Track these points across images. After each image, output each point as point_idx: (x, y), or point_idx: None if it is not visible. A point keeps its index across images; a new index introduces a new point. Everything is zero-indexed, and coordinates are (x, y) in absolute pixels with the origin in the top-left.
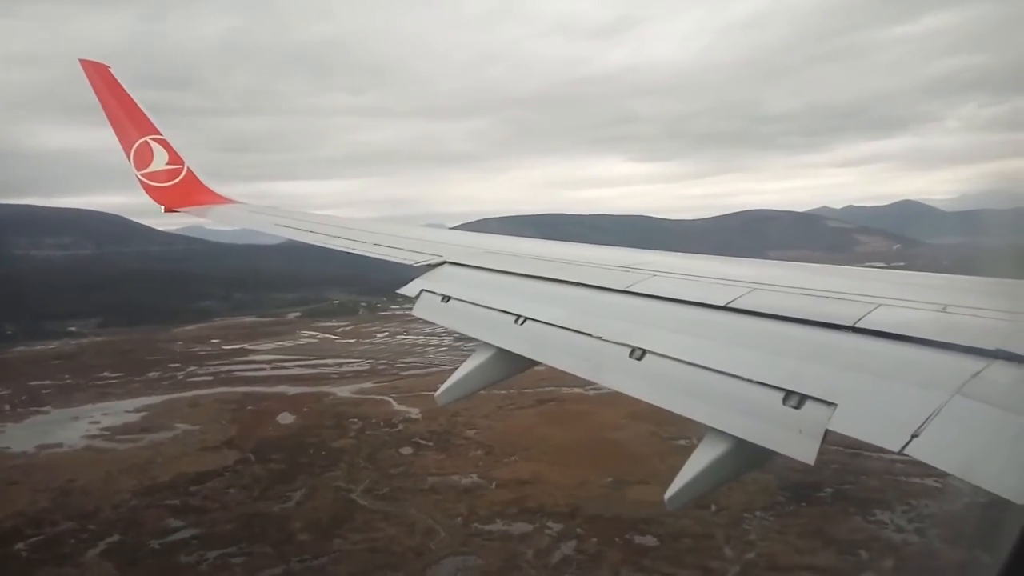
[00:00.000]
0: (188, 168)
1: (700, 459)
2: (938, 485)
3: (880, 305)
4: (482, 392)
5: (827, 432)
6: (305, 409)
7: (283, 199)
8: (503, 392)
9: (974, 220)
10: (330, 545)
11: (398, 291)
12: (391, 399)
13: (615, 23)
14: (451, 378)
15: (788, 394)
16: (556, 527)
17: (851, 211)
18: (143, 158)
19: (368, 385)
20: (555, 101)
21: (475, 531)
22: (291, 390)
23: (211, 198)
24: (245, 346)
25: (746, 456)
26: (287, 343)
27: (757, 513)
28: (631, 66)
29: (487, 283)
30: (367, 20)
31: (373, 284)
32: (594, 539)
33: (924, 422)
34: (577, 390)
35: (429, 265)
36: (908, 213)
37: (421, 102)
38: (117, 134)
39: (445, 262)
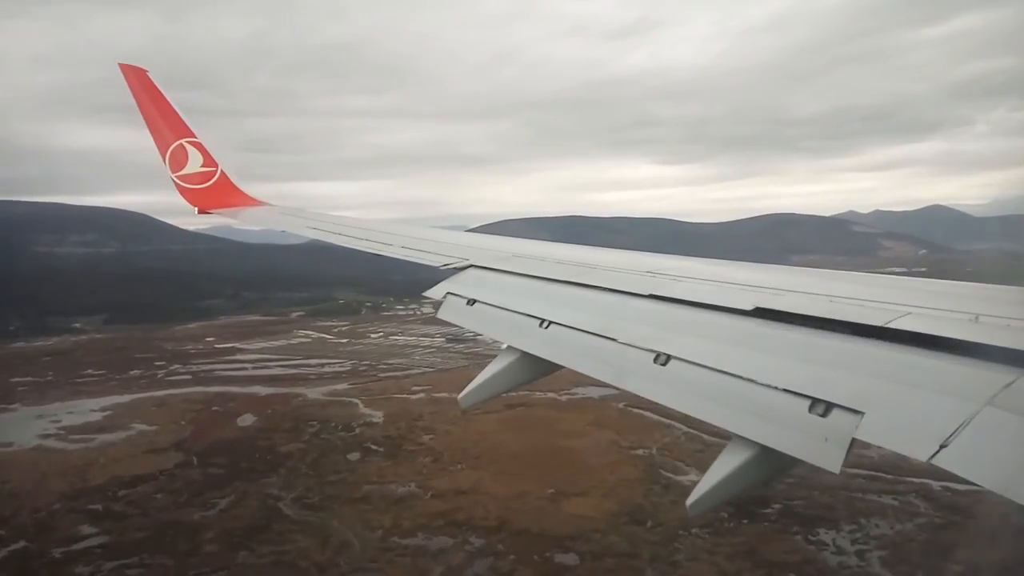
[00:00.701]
0: (222, 171)
1: (723, 465)
2: (895, 503)
3: (910, 313)
4: (452, 395)
5: (854, 441)
6: (269, 411)
7: (305, 200)
8: (454, 395)
9: (1006, 225)
10: (234, 558)
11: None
12: (360, 401)
13: (633, 26)
14: (475, 381)
15: (815, 402)
16: (478, 542)
17: (878, 216)
18: (178, 161)
19: (342, 387)
20: (574, 103)
21: (391, 545)
22: (264, 391)
23: (243, 200)
24: (237, 345)
25: (770, 464)
26: (279, 342)
27: (694, 530)
28: (650, 69)
29: (512, 287)
30: (382, 21)
31: (386, 285)
32: (512, 556)
33: (953, 432)
34: (550, 395)
35: (455, 268)
36: (937, 218)
37: (439, 104)
38: (153, 136)
39: (471, 265)
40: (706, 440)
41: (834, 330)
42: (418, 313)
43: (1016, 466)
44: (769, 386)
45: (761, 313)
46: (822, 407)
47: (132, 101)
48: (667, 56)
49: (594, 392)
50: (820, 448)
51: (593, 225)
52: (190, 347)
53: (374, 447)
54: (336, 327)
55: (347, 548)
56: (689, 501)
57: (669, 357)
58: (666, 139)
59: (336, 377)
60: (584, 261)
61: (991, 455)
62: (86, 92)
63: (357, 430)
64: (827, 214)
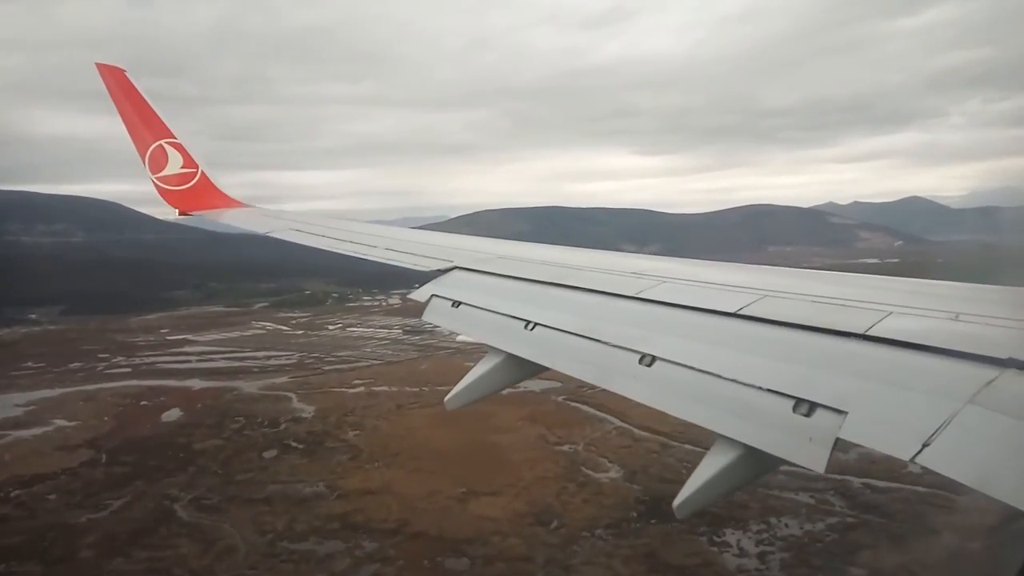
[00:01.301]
0: (202, 172)
1: (709, 467)
2: (811, 501)
3: (891, 313)
4: (392, 389)
5: (838, 440)
6: (199, 405)
7: (285, 189)
8: (415, 390)
9: (982, 217)
10: (108, 565)
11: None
12: (295, 396)
13: (607, 14)
14: (460, 383)
15: (798, 402)
16: (370, 546)
17: (857, 207)
18: (157, 162)
19: (281, 380)
20: (553, 92)
21: (278, 551)
22: (200, 384)
23: (224, 201)
24: (189, 337)
25: (755, 464)
26: (233, 334)
27: (598, 531)
28: (627, 58)
29: (497, 288)
30: (355, 6)
31: (356, 276)
32: (400, 562)
33: (936, 431)
34: None
35: (440, 270)
36: (914, 210)
37: (417, 92)
38: (132, 137)
39: (456, 267)
40: (636, 435)
41: (817, 330)
42: (384, 304)
43: (998, 463)
44: (753, 386)
45: (745, 314)
46: (806, 407)
47: (104, 87)
48: (643, 45)
49: (536, 385)
50: (804, 448)
51: (571, 216)
52: (140, 339)
53: (294, 444)
54: (296, 318)
55: (230, 553)
56: (676, 503)
57: (654, 358)
58: (645, 129)
59: (279, 370)
60: (568, 262)
61: (973, 453)
62: (57, 78)
63: (283, 426)
64: (807, 205)
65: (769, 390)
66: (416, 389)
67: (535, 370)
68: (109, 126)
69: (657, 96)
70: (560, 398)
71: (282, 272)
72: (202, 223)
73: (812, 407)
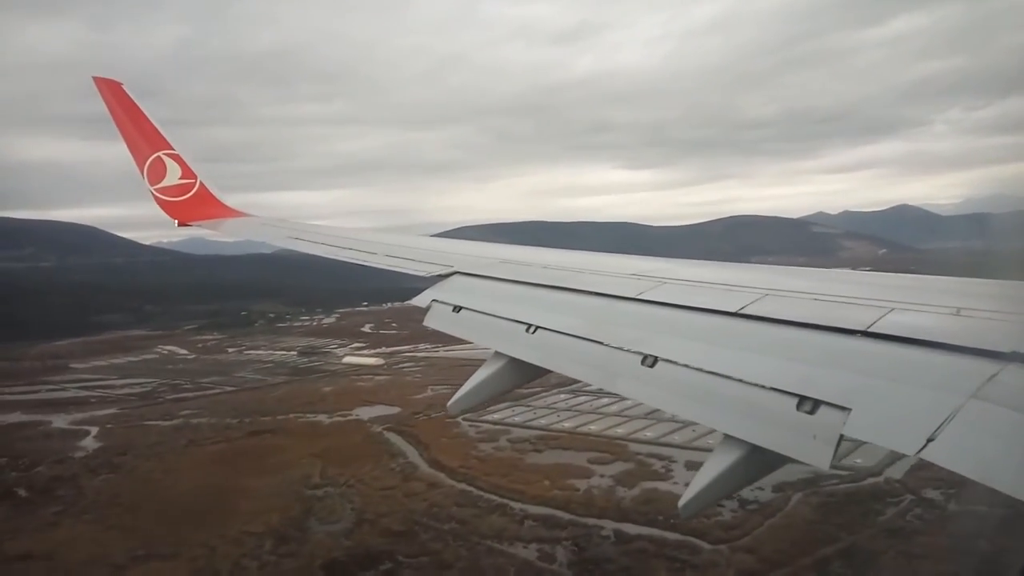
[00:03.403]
0: (201, 182)
1: (714, 466)
2: (533, 555)
3: (893, 309)
4: (211, 420)
5: (842, 437)
6: None
7: (267, 210)
8: (234, 421)
9: (971, 224)
10: None
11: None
12: (95, 431)
13: (575, 29)
14: (463, 387)
15: (802, 400)
16: None
17: (846, 217)
18: (156, 173)
19: (105, 413)
20: (530, 109)
21: None
22: (18, 419)
23: (223, 211)
24: (76, 364)
25: (760, 462)
26: (124, 360)
27: None
28: (599, 73)
29: (498, 293)
30: (317, 27)
31: (316, 295)
32: None
33: (940, 426)
34: (321, 417)
35: (440, 276)
36: (904, 218)
37: (392, 111)
38: (130, 149)
39: (456, 272)
40: (418, 474)
41: (820, 328)
42: (312, 325)
43: (1002, 457)
44: (756, 385)
45: (746, 313)
46: (810, 404)
47: (80, 111)
48: (615, 59)
49: (367, 413)
50: (809, 446)
51: (553, 230)
52: (25, 365)
53: (22, 492)
54: (207, 342)
55: None
56: (681, 503)
57: (656, 359)
58: (626, 143)
59: (118, 401)
60: (569, 265)
61: (978, 447)
62: (21, 104)
63: (42, 468)
64: (797, 216)
65: (772, 388)
66: (236, 421)
67: (537, 373)
68: (84, 150)
69: (634, 110)
70: (379, 428)
71: (236, 293)
72: (188, 247)
73: (816, 405)
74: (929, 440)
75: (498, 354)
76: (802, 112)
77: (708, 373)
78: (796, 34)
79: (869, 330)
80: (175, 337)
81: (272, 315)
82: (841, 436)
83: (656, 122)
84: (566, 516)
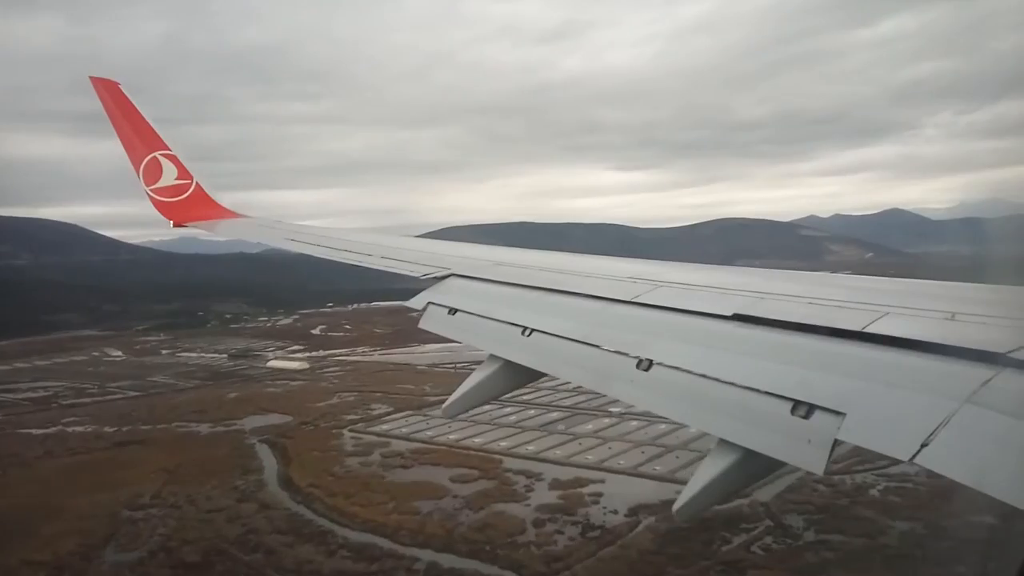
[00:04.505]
0: (197, 183)
1: (708, 470)
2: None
3: (888, 313)
4: (87, 429)
5: (836, 442)
6: None
7: (261, 210)
8: (111, 430)
9: (962, 228)
10: None
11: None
12: None
13: (561, 28)
14: (458, 391)
15: (796, 404)
16: None
17: (838, 220)
18: (152, 173)
19: None
20: (520, 108)
21: None
22: None
23: (219, 212)
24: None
25: (754, 467)
26: (50, 362)
27: None
28: (588, 72)
29: (494, 295)
30: (302, 25)
31: (282, 295)
32: None
33: (934, 431)
34: (202, 427)
35: (436, 278)
36: (895, 222)
37: (381, 109)
38: (126, 150)
39: (452, 274)
40: (261, 495)
41: (814, 332)
42: (266, 326)
43: (996, 462)
44: (751, 389)
45: (741, 317)
46: (804, 409)
47: (65, 108)
48: (603, 59)
49: (259, 423)
50: (803, 450)
51: (541, 231)
52: None
53: None
54: (150, 342)
55: None
56: (675, 507)
57: (651, 362)
58: (617, 144)
59: (8, 406)
60: (565, 268)
61: (972, 453)
62: (7, 97)
63: None
64: (788, 219)
65: (767, 392)
66: (113, 430)
67: (533, 376)
68: (71, 147)
69: (623, 110)
70: (255, 440)
71: (205, 293)
72: (172, 246)
73: (810, 409)
74: (923, 445)
75: (493, 357)
76: (794, 113)
77: (703, 377)
78: (785, 34)
79: (864, 331)
80: (121, 338)
81: (229, 316)
82: (835, 441)
83: (647, 123)
84: (387, 546)
